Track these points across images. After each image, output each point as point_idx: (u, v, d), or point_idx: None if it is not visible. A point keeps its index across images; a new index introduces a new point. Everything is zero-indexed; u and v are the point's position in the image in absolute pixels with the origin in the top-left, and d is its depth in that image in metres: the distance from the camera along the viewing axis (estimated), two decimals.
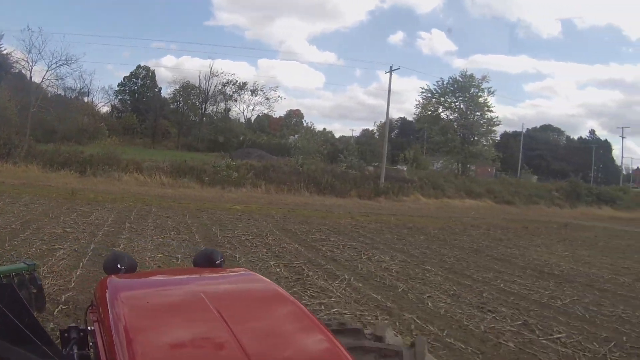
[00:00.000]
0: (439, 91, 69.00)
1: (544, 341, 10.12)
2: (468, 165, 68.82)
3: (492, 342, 9.86)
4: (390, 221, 29.64)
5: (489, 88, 68.49)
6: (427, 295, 12.90)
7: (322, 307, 11.05)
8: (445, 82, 69.05)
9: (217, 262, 4.67)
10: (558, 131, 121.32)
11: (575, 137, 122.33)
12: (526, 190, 61.28)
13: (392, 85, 60.87)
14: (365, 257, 17.52)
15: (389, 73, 59.38)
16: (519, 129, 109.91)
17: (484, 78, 68.48)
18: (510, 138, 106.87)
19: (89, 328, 3.80)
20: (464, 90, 67.72)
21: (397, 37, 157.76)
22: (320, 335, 3.01)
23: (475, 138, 66.81)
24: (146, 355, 2.62)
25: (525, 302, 13.18)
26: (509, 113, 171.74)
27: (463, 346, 9.37)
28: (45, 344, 3.66)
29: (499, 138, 78.98)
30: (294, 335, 3.06)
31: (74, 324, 3.95)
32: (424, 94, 69.79)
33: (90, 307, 3.94)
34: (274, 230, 22.19)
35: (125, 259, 4.54)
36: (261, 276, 4.03)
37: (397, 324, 10.23)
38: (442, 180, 56.23)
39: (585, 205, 60.20)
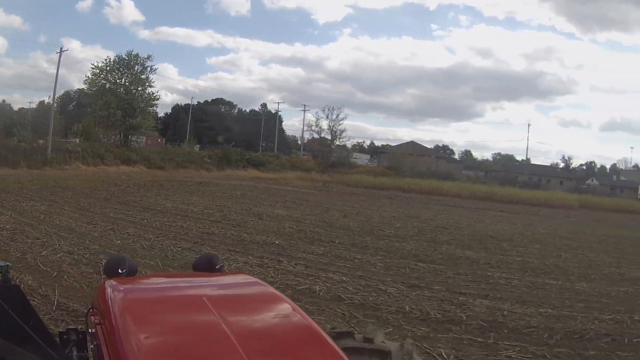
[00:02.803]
0: (107, 68, 73.79)
1: (118, 234, 18.50)
2: (130, 137, 74.77)
3: (85, 234, 18.18)
4: (48, 183, 35.79)
5: (152, 66, 75.79)
6: (57, 219, 20.90)
7: None
8: (112, 60, 74.39)
9: (217, 267, 4.67)
10: (230, 104, 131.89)
11: (249, 110, 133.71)
12: (179, 157, 70.18)
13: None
14: (24, 204, 24.72)
15: (59, 53, 63.84)
16: (200, 100, 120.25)
17: (148, 57, 75.54)
18: (182, 110, 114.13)
19: (89, 330, 3.85)
20: (129, 67, 73.75)
21: (86, 4, 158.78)
22: (320, 341, 3.09)
23: (137, 112, 72.69)
24: (148, 358, 2.72)
25: (122, 221, 21.52)
26: (190, 85, 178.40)
27: (65, 235, 17.66)
28: (49, 345, 3.61)
29: (157, 111, 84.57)
30: (295, 341, 3.13)
31: (72, 326, 4.25)
32: (93, 70, 74.05)
33: (91, 310, 3.95)
34: None
35: (126, 263, 4.55)
36: (262, 281, 4.12)
37: (35, 229, 17.88)
38: (103, 150, 62.58)
39: (234, 168, 70.64)
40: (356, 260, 16.73)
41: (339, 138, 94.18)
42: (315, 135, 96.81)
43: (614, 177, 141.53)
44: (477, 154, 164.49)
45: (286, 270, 14.37)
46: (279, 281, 12.93)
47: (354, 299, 11.90)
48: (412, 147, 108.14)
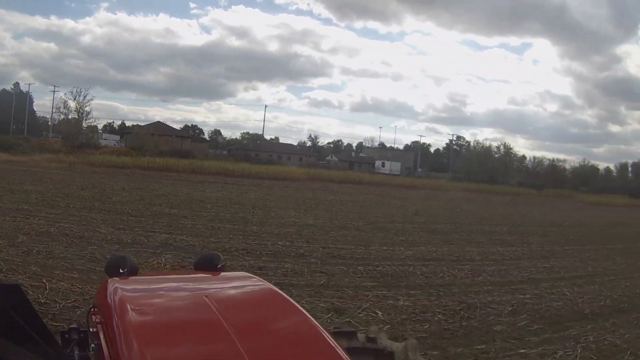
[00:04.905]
0: None
1: None
2: None
3: None
4: None
5: None
6: None
7: None
8: None
9: (218, 266, 4.63)
10: None
11: (0, 89, 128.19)
12: None
13: None
14: None
15: None
16: None
17: None
18: None
19: (90, 330, 3.89)
20: None
21: None
22: (321, 339, 3.13)
23: None
24: (150, 358, 2.73)
25: None
26: None
27: None
28: (50, 345, 3.59)
29: None
30: (295, 340, 3.19)
31: (74, 326, 4.18)
32: None
33: (92, 309, 4.01)
34: None
35: (127, 262, 4.51)
36: (262, 280, 4.15)
37: None
38: None
39: None
40: (82, 216, 22.23)
41: (86, 119, 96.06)
42: (63, 117, 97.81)
43: (353, 153, 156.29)
44: (228, 133, 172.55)
45: (32, 223, 19.19)
46: (28, 227, 18.37)
47: (75, 235, 17.57)
48: (158, 127, 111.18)
